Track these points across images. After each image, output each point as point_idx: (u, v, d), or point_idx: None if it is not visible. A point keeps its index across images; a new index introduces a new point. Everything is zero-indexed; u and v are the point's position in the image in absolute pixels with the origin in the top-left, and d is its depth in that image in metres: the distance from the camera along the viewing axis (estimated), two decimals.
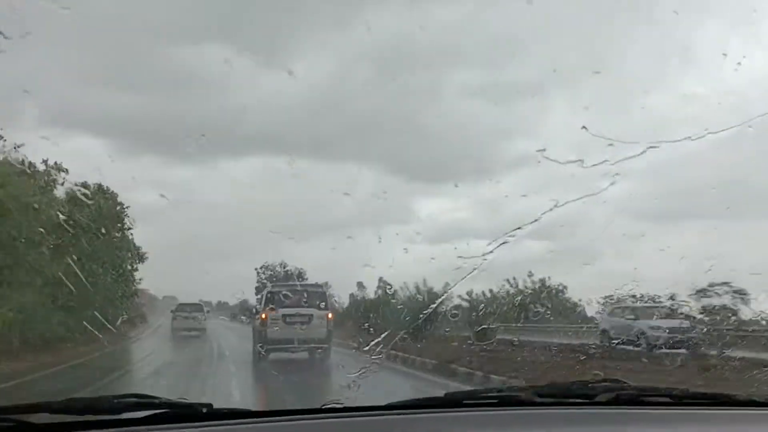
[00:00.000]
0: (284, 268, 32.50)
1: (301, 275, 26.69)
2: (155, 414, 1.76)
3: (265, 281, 31.38)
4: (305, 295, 17.78)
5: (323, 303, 17.63)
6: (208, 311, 32.41)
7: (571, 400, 2.09)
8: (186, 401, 1.90)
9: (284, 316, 17.00)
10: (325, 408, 1.92)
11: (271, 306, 17.20)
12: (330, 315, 17.45)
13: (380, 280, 26.29)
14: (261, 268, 33.90)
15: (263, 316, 17.09)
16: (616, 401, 2.04)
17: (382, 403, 2.00)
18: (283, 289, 17.94)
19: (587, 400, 2.07)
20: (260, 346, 17.03)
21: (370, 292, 28.88)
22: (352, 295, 31.20)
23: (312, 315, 17.05)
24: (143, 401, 1.82)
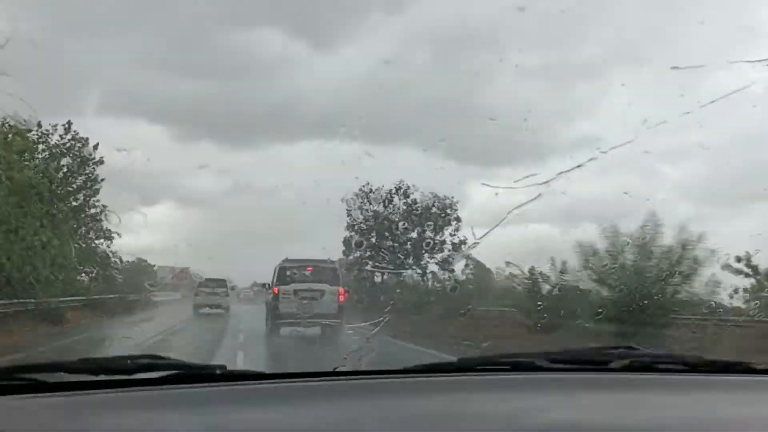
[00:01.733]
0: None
1: None
2: (169, 375, 1.76)
3: None
4: (317, 270, 17.85)
5: (336, 279, 17.71)
6: (232, 288, 32.01)
7: (585, 366, 2.08)
8: (200, 363, 1.91)
9: (296, 291, 17.10)
10: (338, 371, 1.92)
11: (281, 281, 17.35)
12: (342, 290, 17.54)
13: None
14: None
15: (275, 290, 17.21)
16: (630, 367, 2.03)
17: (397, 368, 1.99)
18: (295, 264, 17.98)
19: (601, 366, 2.05)
20: (272, 320, 17.20)
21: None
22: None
23: (324, 290, 17.13)
24: (157, 362, 1.83)
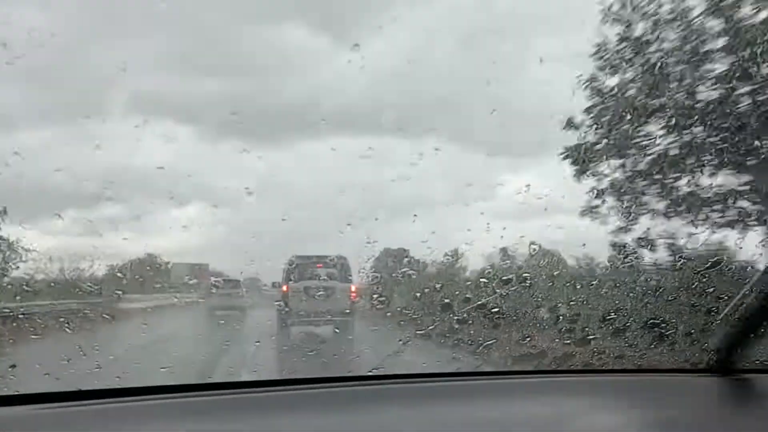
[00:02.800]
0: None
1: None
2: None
3: None
4: (328, 267, 17.72)
5: (347, 275, 17.58)
6: (246, 290, 31.17)
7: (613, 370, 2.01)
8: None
9: (306, 288, 17.01)
10: (375, 374, 1.97)
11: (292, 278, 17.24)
12: (354, 287, 17.42)
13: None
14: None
15: (284, 288, 17.12)
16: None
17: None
18: (306, 260, 17.86)
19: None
20: (281, 319, 17.11)
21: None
22: None
23: (335, 287, 17.02)
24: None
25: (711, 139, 10.72)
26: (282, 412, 1.62)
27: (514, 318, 9.40)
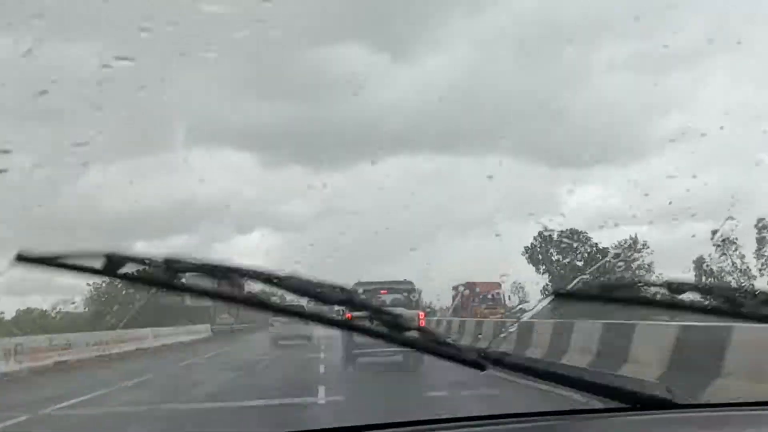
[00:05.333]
0: None
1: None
2: None
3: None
4: (394, 293, 16.19)
5: (414, 301, 15.97)
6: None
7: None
8: None
9: (371, 317, 15.42)
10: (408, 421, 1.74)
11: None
12: (422, 314, 15.78)
13: None
14: None
15: (347, 316, 15.56)
16: None
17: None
18: (369, 287, 16.31)
19: None
20: (346, 350, 15.58)
21: None
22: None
23: (401, 315, 15.39)
24: None
25: None
26: None
27: None
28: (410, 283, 16.30)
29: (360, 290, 16.06)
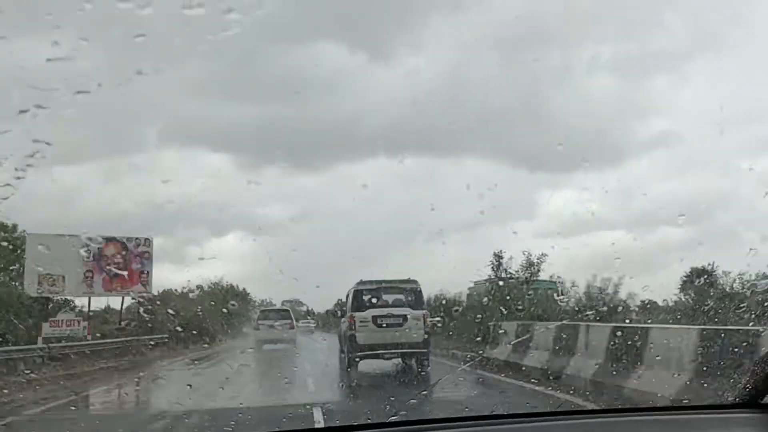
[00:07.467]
0: None
1: None
2: None
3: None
4: (398, 293, 15.67)
5: (419, 302, 15.42)
6: (313, 320, 28.77)
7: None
8: None
9: (374, 317, 14.94)
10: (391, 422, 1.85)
11: (357, 307, 15.18)
12: (427, 315, 15.25)
13: None
14: None
15: (350, 318, 15.07)
16: None
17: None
18: (372, 286, 15.75)
19: None
20: (348, 352, 15.05)
21: None
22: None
23: (406, 315, 14.90)
24: None
25: None
26: None
27: None
28: (415, 281, 15.74)
29: (364, 289, 15.52)
